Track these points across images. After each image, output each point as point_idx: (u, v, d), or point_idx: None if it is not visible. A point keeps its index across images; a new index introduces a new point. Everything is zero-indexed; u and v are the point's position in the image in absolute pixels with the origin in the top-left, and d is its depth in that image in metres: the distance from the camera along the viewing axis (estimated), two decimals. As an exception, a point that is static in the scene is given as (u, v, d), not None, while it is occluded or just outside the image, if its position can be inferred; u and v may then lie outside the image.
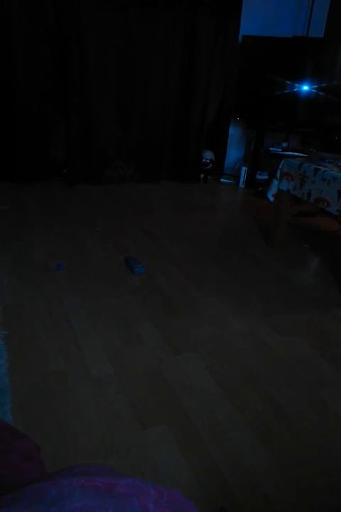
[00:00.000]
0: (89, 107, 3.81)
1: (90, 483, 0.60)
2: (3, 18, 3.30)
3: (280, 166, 2.83)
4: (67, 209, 3.38)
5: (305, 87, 4.10)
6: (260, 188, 4.32)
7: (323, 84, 4.06)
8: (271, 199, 2.92)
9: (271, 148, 4.40)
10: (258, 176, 4.52)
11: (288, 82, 4.10)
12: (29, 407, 1.46)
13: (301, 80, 4.08)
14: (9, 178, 3.80)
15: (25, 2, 3.31)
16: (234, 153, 4.78)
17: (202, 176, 4.61)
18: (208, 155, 4.48)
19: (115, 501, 0.58)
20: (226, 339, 1.95)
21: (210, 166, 4.51)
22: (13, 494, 0.53)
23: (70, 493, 0.56)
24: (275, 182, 2.88)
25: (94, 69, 3.71)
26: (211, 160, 4.50)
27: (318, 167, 2.54)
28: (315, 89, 4.09)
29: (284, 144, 4.43)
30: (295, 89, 4.12)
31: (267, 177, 4.53)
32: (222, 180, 4.63)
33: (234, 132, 4.66)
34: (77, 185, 3.98)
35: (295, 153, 4.21)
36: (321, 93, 4.09)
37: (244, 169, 4.48)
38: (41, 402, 1.48)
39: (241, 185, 4.53)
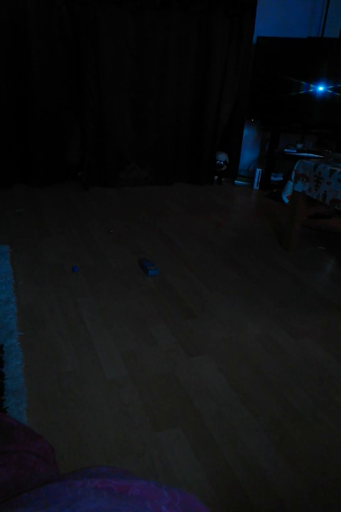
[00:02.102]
0: (104, 110, 3.84)
1: (104, 484, 0.60)
2: (21, 25, 3.35)
3: (296, 168, 2.81)
4: (82, 211, 3.41)
5: (321, 88, 4.06)
6: (274, 190, 4.29)
7: (339, 85, 4.02)
8: (286, 201, 2.90)
9: (285, 150, 4.36)
10: (272, 178, 4.49)
11: (303, 82, 4.07)
12: (44, 407, 1.47)
13: (316, 80, 4.05)
14: (25, 181, 3.85)
15: (42, 8, 3.35)
16: (248, 154, 4.76)
17: (216, 177, 4.60)
18: (222, 157, 4.47)
19: (128, 503, 0.58)
20: (241, 342, 1.94)
21: (224, 167, 4.50)
22: (27, 494, 0.54)
23: (84, 494, 0.56)
24: (290, 183, 2.85)
25: (109, 72, 3.73)
26: (225, 162, 4.48)
27: (334, 168, 2.51)
28: (330, 89, 4.05)
29: (299, 145, 4.39)
30: (310, 90, 4.09)
31: (282, 178, 4.50)
32: (236, 182, 4.61)
33: (248, 134, 4.64)
34: (92, 187, 4.01)
35: (311, 155, 4.17)
36: (337, 94, 4.04)
37: (258, 171, 4.46)
38: (56, 403, 1.49)
39: (256, 186, 4.50)
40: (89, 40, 3.55)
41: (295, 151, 4.32)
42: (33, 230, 2.94)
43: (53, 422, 1.42)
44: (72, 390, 1.56)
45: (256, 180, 4.48)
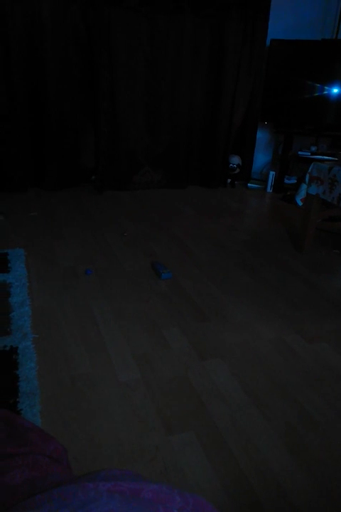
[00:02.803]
0: (117, 114, 3.86)
1: (116, 487, 0.60)
2: (36, 31, 3.39)
3: (310, 170, 2.78)
4: (95, 214, 3.43)
5: (335, 90, 4.02)
6: (288, 193, 4.26)
7: (354, 86, 3.97)
8: (300, 203, 2.88)
9: (299, 152, 4.33)
10: (286, 181, 4.46)
11: (317, 85, 4.04)
12: (57, 410, 1.48)
13: (330, 82, 4.01)
14: (40, 185, 3.89)
15: (57, 15, 3.40)
16: (261, 157, 4.74)
17: (229, 181, 4.58)
18: (235, 160, 4.45)
19: (140, 507, 0.59)
20: (254, 346, 1.93)
21: (237, 170, 4.48)
22: (41, 496, 0.54)
23: (96, 497, 0.56)
24: (304, 186, 2.83)
25: (122, 76, 3.76)
26: (238, 165, 4.47)
27: (349, 171, 2.48)
28: (345, 91, 4.01)
29: (313, 148, 4.35)
30: (324, 92, 4.05)
31: (295, 181, 4.46)
32: (249, 185, 4.59)
33: (261, 136, 4.62)
34: (106, 191, 4.04)
35: (325, 157, 4.13)
36: (352, 95, 4.00)
37: (271, 174, 4.43)
38: (69, 406, 1.50)
39: (269, 189, 4.48)
40: (103, 45, 3.58)
41: (309, 153, 4.29)
42: (48, 233, 2.97)
43: (66, 424, 1.43)
44: (85, 393, 1.57)
45: (269, 183, 4.45)
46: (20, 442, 0.89)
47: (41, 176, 3.88)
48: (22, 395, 1.51)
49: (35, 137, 3.76)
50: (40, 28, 3.39)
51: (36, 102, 3.64)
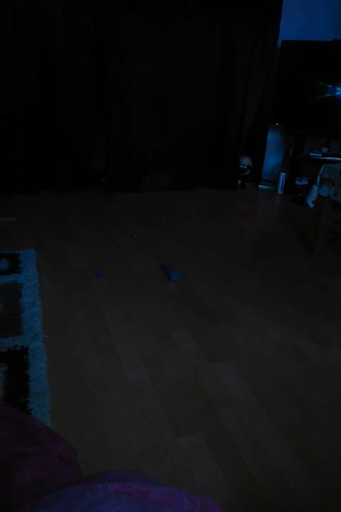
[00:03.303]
0: (127, 116, 3.88)
1: (125, 489, 0.61)
2: (48, 33, 3.43)
3: (321, 172, 2.76)
4: (105, 216, 3.45)
5: (347, 91, 3.99)
6: (299, 194, 4.23)
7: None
8: (311, 205, 2.86)
9: (310, 154, 4.30)
10: (297, 182, 4.43)
11: (329, 86, 4.01)
12: (67, 410, 1.49)
13: (342, 83, 3.98)
14: (51, 187, 3.92)
15: (68, 17, 3.42)
16: (272, 159, 4.72)
17: (239, 182, 4.57)
18: (246, 161, 4.44)
19: (149, 508, 0.59)
20: (262, 348, 1.92)
21: (248, 172, 4.47)
22: (49, 496, 0.54)
23: (105, 498, 0.57)
24: (315, 188, 2.81)
25: (132, 78, 3.77)
26: (248, 166, 4.46)
27: (360, 172, 2.46)
28: (357, 92, 3.97)
29: (324, 149, 4.32)
30: (336, 93, 4.02)
31: (306, 183, 4.43)
32: (259, 186, 4.58)
33: (272, 138, 4.60)
34: (116, 192, 4.05)
35: (336, 158, 4.10)
36: (364, 96, 3.96)
37: (282, 175, 4.41)
38: (78, 406, 1.51)
39: (280, 191, 4.45)
40: (113, 48, 3.61)
41: (320, 154, 4.26)
42: (58, 234, 2.99)
43: (76, 425, 1.43)
44: (95, 394, 1.57)
45: (280, 184, 4.43)
46: (30, 442, 0.90)
47: (52, 178, 3.90)
48: (32, 394, 1.52)
49: (46, 139, 3.79)
50: (52, 31, 3.42)
51: (47, 104, 3.67)
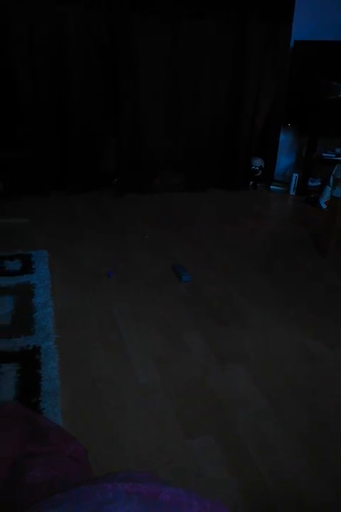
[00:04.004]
0: (139, 117, 3.89)
1: (134, 489, 0.61)
2: (61, 35, 3.46)
3: (334, 172, 2.74)
4: (116, 217, 3.46)
5: (361, 91, 3.94)
6: (312, 195, 4.19)
7: None
8: (324, 206, 2.84)
9: (323, 154, 4.26)
10: (310, 183, 4.39)
11: (343, 85, 3.97)
12: (78, 410, 1.50)
13: (356, 83, 3.93)
14: (62, 188, 3.95)
15: (81, 19, 3.45)
16: (284, 159, 4.68)
17: (251, 183, 4.55)
18: (257, 162, 4.41)
19: (158, 509, 0.59)
20: (274, 350, 1.91)
21: (260, 173, 4.44)
22: (60, 495, 0.55)
23: (115, 498, 0.57)
24: (329, 188, 2.79)
25: (144, 80, 3.78)
26: (260, 167, 4.43)
27: (374, 173, 2.43)
28: (371, 92, 3.92)
29: (338, 150, 4.27)
30: (350, 93, 3.98)
31: (319, 184, 4.39)
32: (271, 187, 4.54)
33: (284, 138, 4.57)
34: (127, 193, 4.06)
35: (350, 159, 4.05)
36: None
37: (294, 176, 4.37)
38: (89, 406, 1.52)
39: (292, 192, 4.42)
40: (125, 49, 3.62)
41: (333, 155, 4.21)
42: (70, 235, 3.01)
43: (87, 424, 1.44)
44: (106, 394, 1.58)
45: (292, 185, 4.39)
46: (42, 441, 0.91)
47: (64, 180, 3.93)
48: (44, 394, 1.53)
49: (58, 141, 3.82)
50: (65, 33, 3.45)
51: (59, 105, 3.69)
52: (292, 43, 4.07)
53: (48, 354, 1.75)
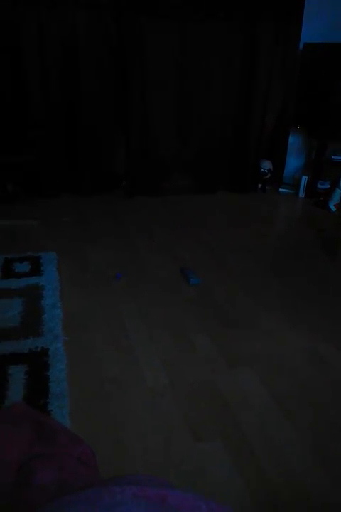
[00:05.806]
0: (149, 120, 3.90)
1: (142, 493, 0.61)
2: (71, 37, 3.48)
3: (343, 175, 2.72)
4: (126, 220, 3.47)
5: (371, 93, 3.91)
6: (321, 198, 4.16)
7: None
8: (333, 209, 2.82)
9: (333, 157, 4.23)
10: (319, 186, 4.36)
11: (353, 87, 3.94)
12: (86, 412, 1.50)
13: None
14: (73, 191, 3.97)
15: (91, 22, 3.47)
16: (293, 162, 4.66)
17: (260, 186, 4.53)
18: (266, 165, 4.40)
19: (166, 513, 0.58)
20: (283, 354, 1.89)
21: (268, 175, 4.43)
22: (68, 497, 0.55)
23: (122, 501, 0.57)
24: (338, 191, 2.77)
25: (154, 83, 3.79)
26: (269, 170, 4.41)
27: None
28: None
29: (348, 152, 4.24)
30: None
31: (329, 186, 4.36)
32: (280, 190, 4.52)
33: (293, 141, 4.55)
34: (136, 196, 4.07)
35: (360, 162, 4.02)
36: None
37: (304, 178, 4.35)
38: (97, 408, 1.52)
39: (301, 194, 4.39)
40: (135, 51, 3.64)
41: (343, 158, 4.18)
42: (79, 237, 3.03)
43: (94, 427, 1.44)
44: (114, 396, 1.58)
45: (301, 188, 4.37)
46: (50, 443, 0.91)
47: (74, 182, 3.95)
48: (52, 396, 1.54)
49: (68, 143, 3.84)
50: (74, 36, 3.47)
51: (69, 108, 3.72)
52: (302, 45, 4.05)
53: (56, 356, 1.75)
